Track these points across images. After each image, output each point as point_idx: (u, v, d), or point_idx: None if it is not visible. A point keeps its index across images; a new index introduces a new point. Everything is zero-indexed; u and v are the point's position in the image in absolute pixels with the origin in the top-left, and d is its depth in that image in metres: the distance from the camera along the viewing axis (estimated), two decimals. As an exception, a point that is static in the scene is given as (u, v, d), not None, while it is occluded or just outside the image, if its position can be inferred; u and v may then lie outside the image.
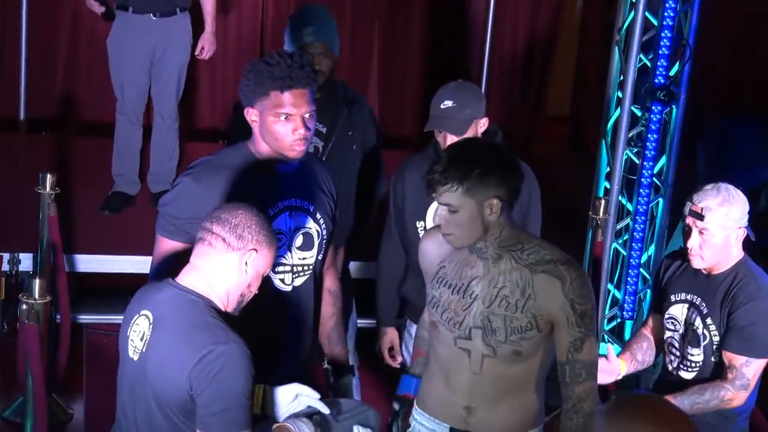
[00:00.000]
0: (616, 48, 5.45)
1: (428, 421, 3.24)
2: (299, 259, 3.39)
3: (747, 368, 3.55)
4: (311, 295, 3.45)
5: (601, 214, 5.26)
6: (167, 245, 3.29)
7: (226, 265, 2.88)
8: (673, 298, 3.77)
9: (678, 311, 3.74)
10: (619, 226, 5.52)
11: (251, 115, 3.31)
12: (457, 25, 7.77)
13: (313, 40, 4.31)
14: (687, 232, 3.65)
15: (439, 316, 3.14)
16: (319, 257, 3.46)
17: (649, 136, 5.35)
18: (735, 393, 3.58)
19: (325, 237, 3.46)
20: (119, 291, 5.49)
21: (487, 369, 3.09)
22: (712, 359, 3.65)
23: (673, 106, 5.37)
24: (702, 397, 3.58)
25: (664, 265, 3.88)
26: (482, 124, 4.00)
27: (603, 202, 5.30)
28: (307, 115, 3.26)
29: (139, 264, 5.26)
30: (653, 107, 5.32)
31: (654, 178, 5.40)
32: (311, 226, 3.41)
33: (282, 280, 3.37)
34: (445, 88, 3.95)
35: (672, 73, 5.33)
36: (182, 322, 2.81)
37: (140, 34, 5.90)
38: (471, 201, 3.00)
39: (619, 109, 5.42)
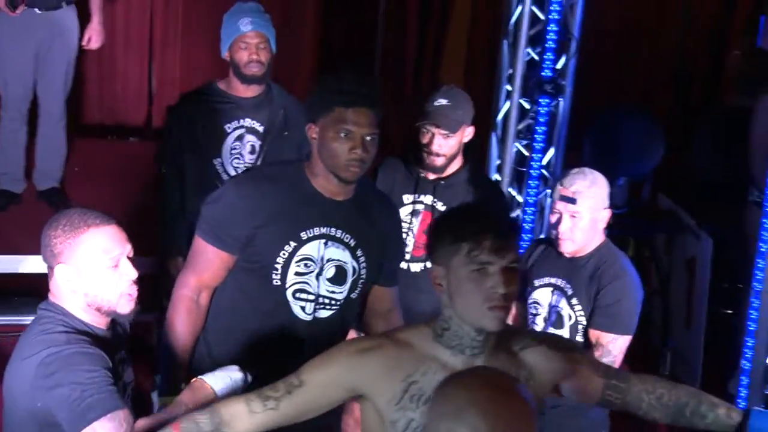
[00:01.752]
0: (505, 42, 5.52)
1: None
2: (327, 291, 3.30)
3: (613, 345, 3.65)
4: (335, 332, 3.31)
5: (491, 205, 5.32)
6: (197, 243, 3.29)
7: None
8: (536, 282, 3.87)
9: (541, 295, 3.83)
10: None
11: (312, 132, 3.24)
12: (350, 19, 7.78)
13: (252, 29, 4.34)
14: (557, 217, 3.74)
15: None
16: (352, 296, 3.35)
17: (537, 128, 5.44)
18: None
19: (362, 276, 3.34)
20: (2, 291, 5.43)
21: None
22: (577, 338, 3.74)
23: (561, 99, 5.46)
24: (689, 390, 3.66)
25: (527, 252, 3.99)
26: (468, 133, 4.08)
27: (494, 194, 5.35)
28: (368, 138, 3.17)
29: (24, 263, 5.16)
30: (541, 100, 5.41)
31: (543, 170, 5.49)
32: (348, 260, 3.30)
33: (302, 308, 3.28)
34: (438, 90, 4.07)
35: (559, 66, 5.43)
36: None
37: (24, 29, 5.78)
38: None
39: (508, 102, 5.49)
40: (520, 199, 5.57)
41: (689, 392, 2.77)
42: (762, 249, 3.90)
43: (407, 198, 4.08)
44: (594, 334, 3.69)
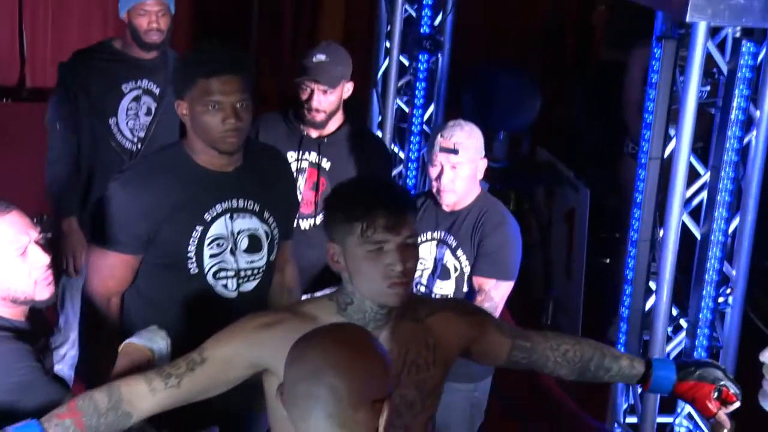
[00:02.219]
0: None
1: None
2: (247, 263, 3.22)
3: (495, 291, 3.72)
4: (263, 301, 3.26)
5: (374, 162, 5.34)
6: (94, 253, 3.16)
7: None
8: (419, 238, 3.90)
9: (425, 250, 3.85)
10: (393, 173, 5.63)
11: (182, 108, 3.11)
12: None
13: None
14: (438, 170, 3.78)
15: None
16: (271, 258, 3.27)
17: (417, 84, 5.47)
18: None
19: (276, 237, 3.26)
20: None
21: None
22: (464, 290, 3.80)
23: (439, 55, 5.49)
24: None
25: None
26: (347, 89, 4.07)
27: (376, 151, 5.37)
28: (239, 105, 3.05)
29: None
30: (420, 56, 5.43)
31: (424, 126, 5.53)
32: (257, 226, 3.22)
33: (225, 286, 3.20)
34: (317, 46, 4.03)
35: (437, 22, 5.45)
36: None
37: None
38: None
39: (387, 59, 5.51)
40: (402, 155, 5.60)
41: (592, 346, 2.80)
42: (637, 199, 3.99)
43: (291, 155, 4.06)
44: (477, 280, 3.75)
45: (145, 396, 2.49)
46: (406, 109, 5.56)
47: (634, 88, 5.37)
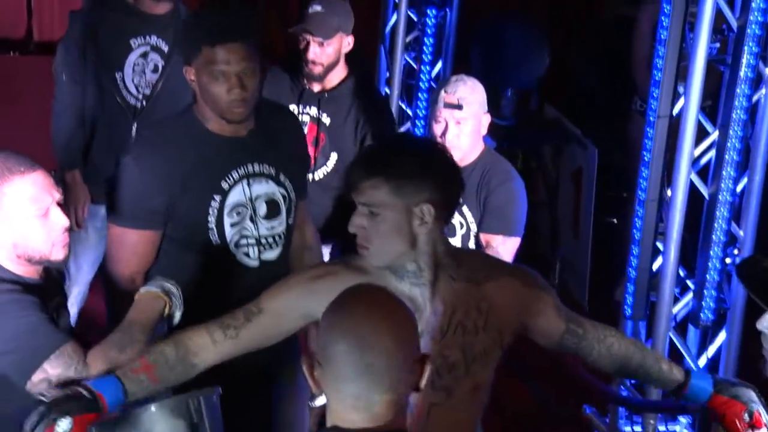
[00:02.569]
0: (390, -47, 5.48)
1: None
2: (267, 229, 3.17)
3: (503, 247, 3.72)
4: (286, 268, 3.20)
5: (381, 119, 5.32)
6: (113, 233, 3.12)
7: None
8: None
9: None
10: (400, 131, 5.61)
11: (190, 74, 3.05)
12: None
13: None
14: (443, 126, 3.75)
15: None
16: (290, 222, 3.23)
17: (425, 40, 5.43)
18: None
19: (293, 198, 3.22)
20: None
21: (436, 427, 2.54)
22: (470, 244, 3.80)
23: (448, 10, 5.45)
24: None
25: None
26: (347, 43, 4.03)
27: (383, 107, 5.35)
28: (244, 73, 2.98)
29: None
30: (428, 11, 5.39)
31: (432, 82, 5.49)
32: (274, 190, 3.17)
33: (246, 254, 3.16)
34: None
35: (445, -23, 5.41)
36: None
37: None
38: (400, 203, 2.49)
39: (396, 14, 5.46)
40: (410, 112, 5.57)
41: (636, 344, 2.80)
42: (645, 158, 3.96)
43: (292, 109, 4.03)
44: (485, 237, 3.75)
45: (208, 347, 2.60)
46: (414, 66, 5.52)
47: (643, 44, 5.31)
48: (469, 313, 2.55)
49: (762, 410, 2.72)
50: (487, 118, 3.82)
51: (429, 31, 5.43)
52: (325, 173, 4.09)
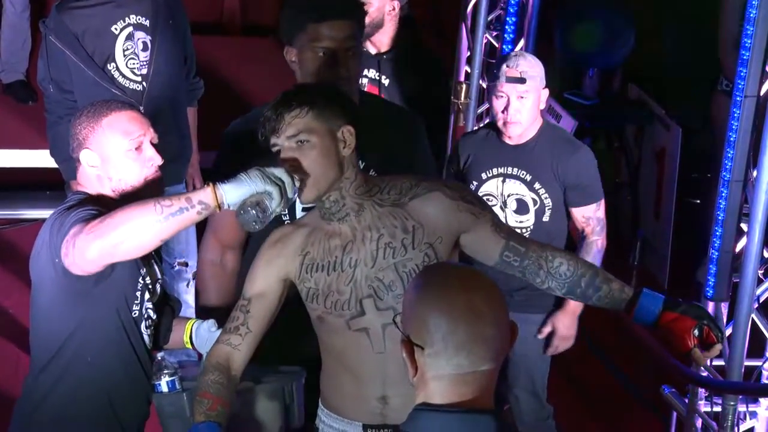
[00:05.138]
0: (474, -69, 5.45)
1: (337, 422, 2.84)
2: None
3: (599, 212, 3.87)
4: None
5: (462, 98, 5.32)
6: None
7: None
8: (483, 176, 3.92)
9: (493, 186, 3.90)
10: (480, 110, 5.59)
11: (291, 55, 3.01)
12: None
13: None
14: (504, 101, 3.78)
15: (323, 305, 2.75)
16: None
17: (507, 19, 5.40)
18: (602, 236, 3.89)
19: None
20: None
21: (393, 342, 2.65)
22: (544, 219, 3.87)
23: (531, -11, 5.41)
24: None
25: (460, 149, 4.02)
26: (392, 7, 4.16)
27: (464, 86, 5.35)
28: (350, 52, 2.93)
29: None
30: (511, -10, 5.36)
31: (513, 61, 5.46)
32: None
33: None
34: None
35: (529, -45, 5.37)
36: None
37: None
38: (324, 127, 2.64)
39: (478, -8, 5.44)
40: (490, 90, 5.54)
41: (586, 264, 2.80)
42: (731, 138, 3.90)
43: None
44: (579, 211, 3.87)
45: (235, 355, 2.78)
46: (496, 44, 5.50)
47: (731, 22, 5.23)
48: (395, 234, 2.69)
49: (713, 326, 2.69)
50: (545, 93, 3.87)
51: (511, 9, 5.40)
52: None
